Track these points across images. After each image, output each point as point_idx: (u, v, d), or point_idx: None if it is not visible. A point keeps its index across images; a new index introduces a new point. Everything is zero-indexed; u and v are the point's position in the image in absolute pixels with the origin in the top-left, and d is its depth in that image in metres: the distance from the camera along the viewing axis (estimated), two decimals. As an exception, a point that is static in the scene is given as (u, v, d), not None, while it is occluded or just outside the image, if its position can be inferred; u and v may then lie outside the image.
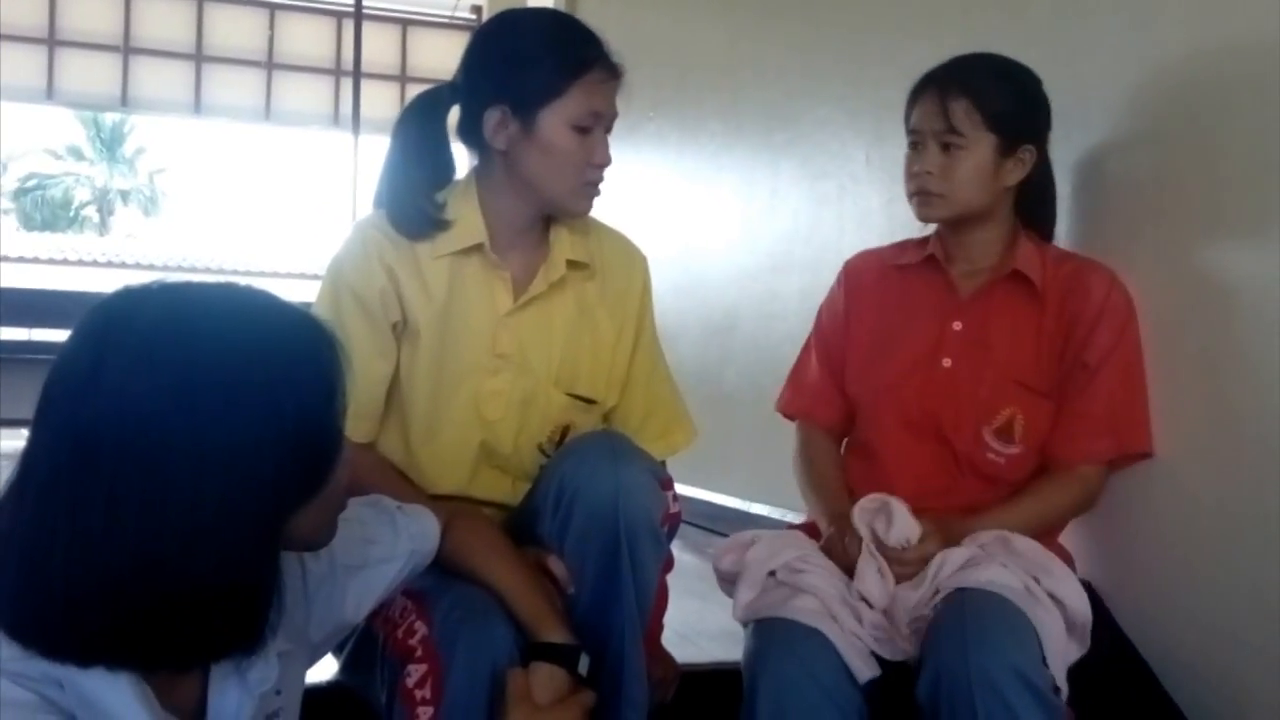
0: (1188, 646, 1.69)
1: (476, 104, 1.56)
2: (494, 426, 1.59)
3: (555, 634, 1.31)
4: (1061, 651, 1.45)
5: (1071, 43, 1.94)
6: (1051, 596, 1.49)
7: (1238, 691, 1.59)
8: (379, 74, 9.95)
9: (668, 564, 1.43)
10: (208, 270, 12.67)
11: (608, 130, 1.57)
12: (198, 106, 10.12)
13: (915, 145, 1.74)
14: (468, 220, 1.59)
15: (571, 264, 1.63)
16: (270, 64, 9.98)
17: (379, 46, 9.92)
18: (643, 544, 1.36)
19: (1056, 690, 1.40)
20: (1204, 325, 1.67)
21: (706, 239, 3.60)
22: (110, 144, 30.73)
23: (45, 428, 0.90)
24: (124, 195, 31.03)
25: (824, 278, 2.77)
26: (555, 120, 1.52)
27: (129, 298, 0.94)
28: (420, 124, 1.62)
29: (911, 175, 1.74)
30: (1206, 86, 1.67)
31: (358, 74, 9.24)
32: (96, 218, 30.58)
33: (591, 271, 1.67)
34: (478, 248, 1.59)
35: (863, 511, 1.62)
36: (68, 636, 0.89)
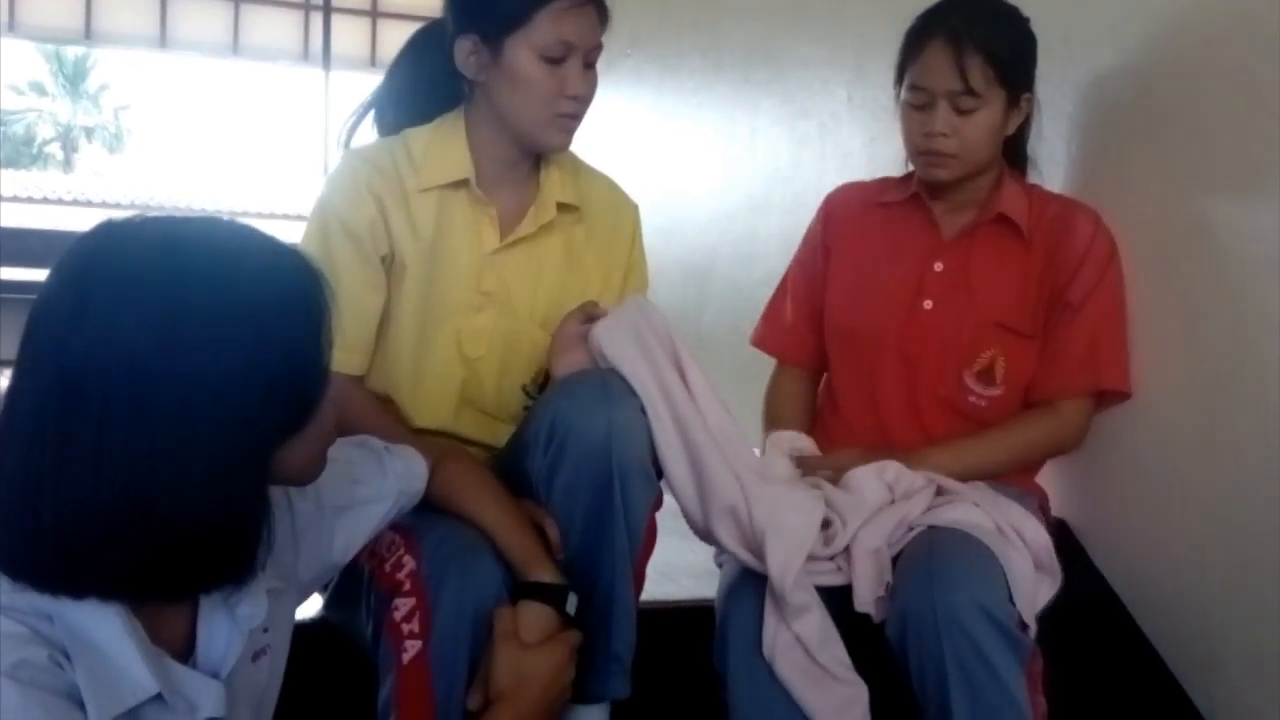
0: (1162, 584, 1.71)
1: (453, 33, 1.54)
2: (476, 365, 1.59)
3: (544, 573, 1.31)
4: (1030, 589, 1.46)
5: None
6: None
7: (1211, 628, 1.62)
8: (349, 9, 9.79)
9: (657, 502, 1.43)
10: (175, 209, 12.51)
11: (590, 62, 1.54)
12: (163, 40, 9.94)
13: (923, 104, 1.67)
14: (454, 154, 1.57)
15: (561, 206, 1.62)
16: (238, -3, 9.82)
17: (350, -20, 9.78)
18: (634, 483, 1.36)
19: (1024, 627, 1.42)
20: (1184, 266, 1.67)
21: (686, 179, 3.57)
22: (73, 79, 30.15)
23: (30, 365, 0.90)
24: (88, 132, 30.52)
25: (804, 218, 2.75)
26: (522, 49, 1.49)
27: (111, 233, 0.93)
28: (412, 57, 1.60)
29: (921, 136, 1.68)
30: (1191, 27, 1.66)
31: (328, 8, 9.09)
32: (60, 155, 30.08)
33: (580, 215, 1.66)
34: (464, 183, 1.57)
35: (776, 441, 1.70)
36: (60, 569, 0.89)
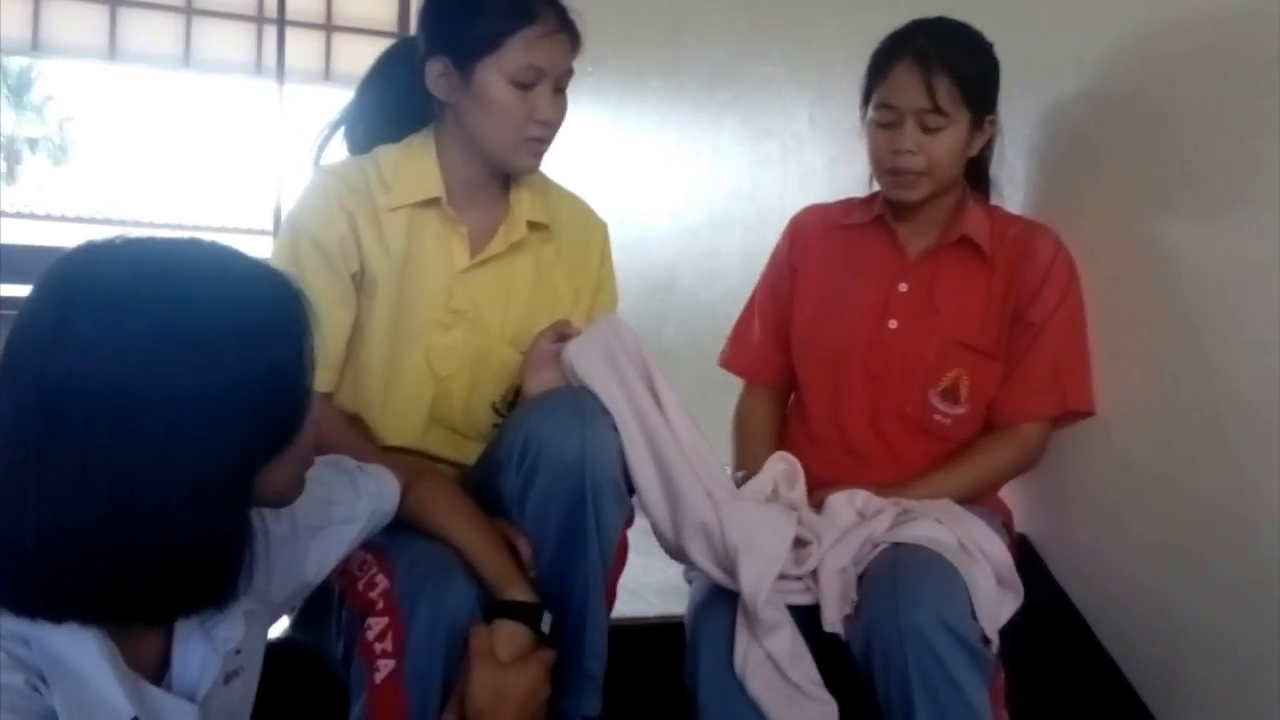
0: (1121, 598, 1.75)
1: (424, 54, 1.55)
2: (446, 382, 1.59)
3: (519, 592, 1.32)
4: (993, 605, 1.48)
5: (1017, 5, 1.96)
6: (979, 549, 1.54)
7: (1169, 640, 1.66)
8: (304, 22, 9.72)
9: (629, 519, 1.44)
10: (122, 223, 12.31)
11: (560, 87, 1.55)
12: (113, 52, 9.80)
13: (890, 123, 1.70)
14: (424, 173, 1.58)
15: (532, 225, 1.63)
16: (190, 9, 9.70)
17: (304, -7, 9.71)
18: (607, 500, 1.37)
19: (986, 642, 1.44)
20: (1144, 288, 1.71)
21: (647, 196, 3.59)
22: (17, 90, 29.63)
23: (11, 387, 0.88)
24: (32, 143, 30.00)
25: (767, 237, 2.77)
26: (492, 74, 1.51)
27: (92, 254, 0.92)
28: (383, 74, 1.61)
29: (889, 154, 1.71)
30: (1150, 57, 1.71)
31: (282, 21, 9.02)
32: (3, 166, 29.53)
33: (550, 233, 1.67)
34: (434, 201, 1.57)
35: (775, 461, 1.68)
36: (41, 593, 0.88)
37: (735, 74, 3.07)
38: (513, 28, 1.49)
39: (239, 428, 0.91)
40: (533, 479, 1.37)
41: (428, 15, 1.58)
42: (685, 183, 3.39)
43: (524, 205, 1.63)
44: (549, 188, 1.70)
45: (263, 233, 10.52)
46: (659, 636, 1.70)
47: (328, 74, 10.13)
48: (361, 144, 1.66)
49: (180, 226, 12.61)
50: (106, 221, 12.09)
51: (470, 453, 1.62)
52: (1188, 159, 1.64)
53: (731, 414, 1.96)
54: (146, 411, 0.87)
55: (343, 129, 1.71)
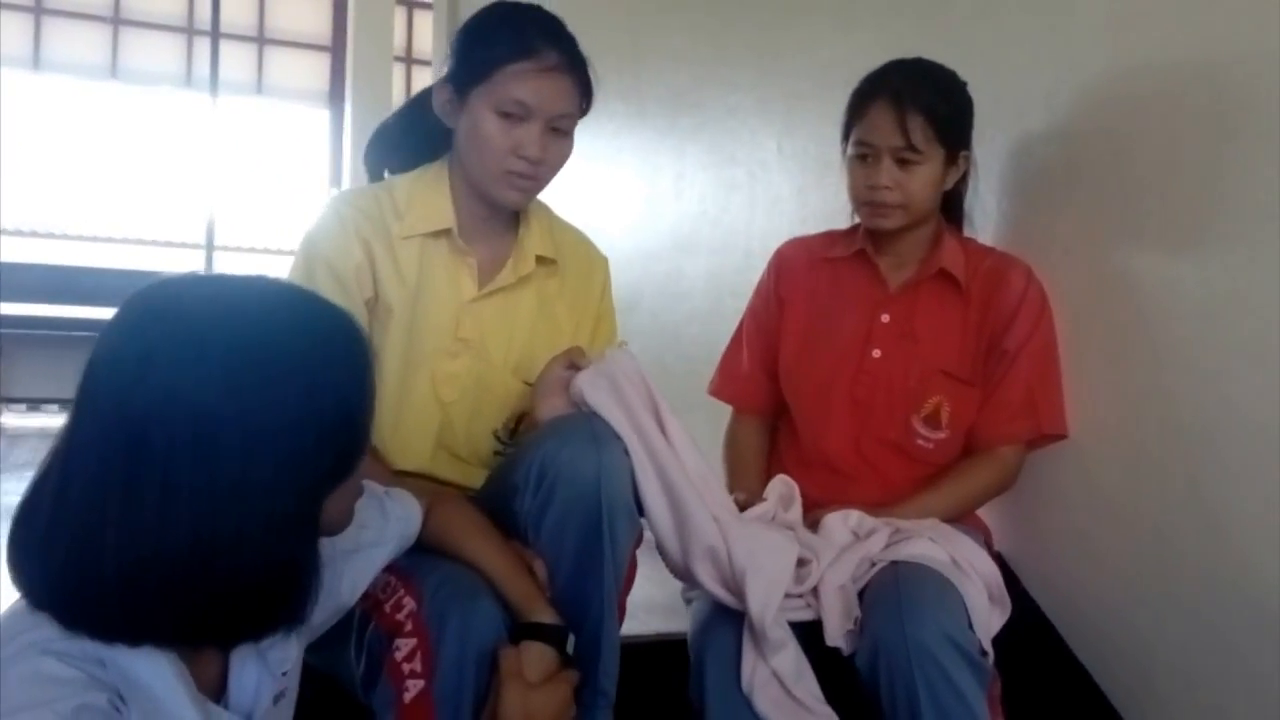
0: (1095, 612, 1.83)
1: (442, 78, 1.61)
2: (449, 409, 1.63)
3: (544, 615, 1.36)
4: (986, 618, 1.57)
5: (987, 43, 2.05)
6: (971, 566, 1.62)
7: (1142, 652, 1.73)
8: (236, 34, 9.62)
9: (639, 539, 1.49)
10: (49, 235, 11.97)
11: (557, 128, 1.57)
12: (37, 61, 9.58)
13: (866, 157, 1.79)
14: (436, 203, 1.62)
15: (539, 259, 1.68)
16: (117, 19, 9.52)
17: (236, 5, 9.60)
18: (621, 522, 1.42)
19: (984, 653, 1.52)
20: (1112, 316, 1.79)
21: (606, 218, 3.63)
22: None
23: (92, 419, 0.92)
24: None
25: (733, 260, 2.84)
26: (481, 103, 1.55)
27: (169, 289, 0.97)
28: (418, 103, 1.67)
29: (866, 188, 1.80)
30: (1118, 96, 1.79)
31: (216, 32, 8.90)
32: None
33: (555, 268, 1.71)
34: (445, 232, 1.62)
35: (776, 484, 1.76)
36: (120, 618, 0.91)
37: (699, 100, 3.13)
38: (505, 59, 1.53)
39: (310, 453, 0.96)
40: (549, 502, 1.41)
41: (450, 43, 1.63)
42: (648, 205, 3.44)
43: (533, 239, 1.67)
44: (554, 222, 1.75)
45: (194, 246, 10.33)
46: (655, 655, 1.75)
47: (260, 87, 10.04)
48: (374, 167, 1.70)
49: (109, 240, 12.28)
50: (33, 234, 11.73)
51: (473, 478, 1.66)
52: (1153, 196, 1.72)
53: (697, 434, 2.01)
54: (225, 441, 0.91)
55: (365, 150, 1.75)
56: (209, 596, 0.93)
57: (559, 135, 1.58)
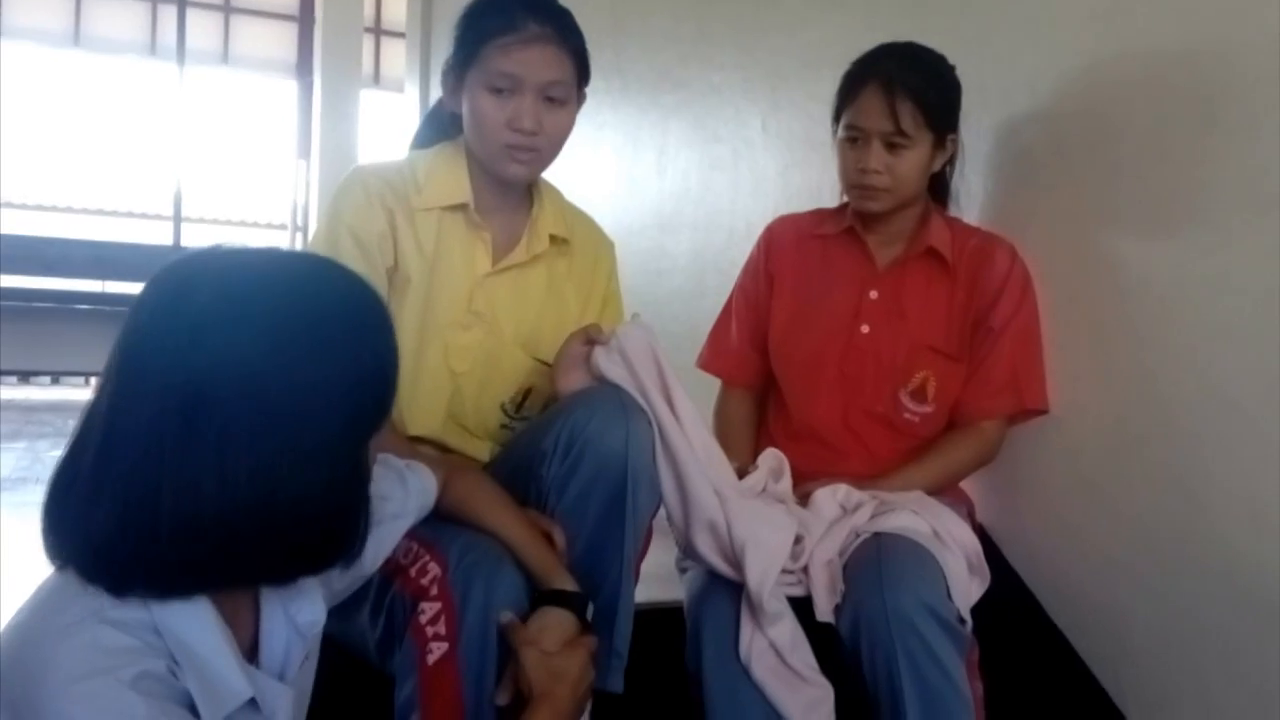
0: (1073, 582, 1.89)
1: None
2: (460, 379, 1.67)
3: (565, 582, 1.40)
4: (965, 588, 1.63)
5: (973, 26, 2.08)
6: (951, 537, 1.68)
7: (1118, 620, 1.79)
8: (203, 2, 9.50)
9: (657, 507, 1.54)
10: (10, 205, 11.78)
11: (550, 96, 1.59)
12: (-4, 27, 9.42)
13: (855, 140, 1.83)
14: (454, 179, 1.66)
15: (553, 239, 1.72)
16: (80, -14, 9.40)
17: (202, -27, 9.48)
18: (643, 490, 1.46)
19: (962, 621, 1.58)
20: (1094, 295, 1.84)
21: (585, 193, 3.65)
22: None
23: (140, 385, 0.96)
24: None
25: (716, 238, 2.86)
26: (475, 82, 1.59)
27: (206, 261, 1.01)
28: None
29: (856, 171, 1.84)
30: (1101, 81, 1.83)
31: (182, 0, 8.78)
32: None
33: (567, 247, 1.76)
34: (462, 207, 1.65)
35: (766, 457, 1.80)
36: (177, 570, 0.95)
37: (682, 78, 3.15)
38: (490, 34, 1.57)
39: (353, 403, 1.02)
40: (576, 469, 1.46)
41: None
42: (629, 182, 3.46)
43: (547, 218, 1.71)
44: (564, 204, 1.79)
45: (161, 218, 10.20)
46: (651, 622, 1.79)
47: (226, 56, 9.92)
48: (428, 144, 1.74)
49: (69, 210, 12.11)
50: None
51: (478, 450, 1.70)
52: (1135, 179, 1.76)
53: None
54: (276, 397, 0.96)
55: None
56: (271, 540, 0.98)
57: (554, 105, 1.61)
